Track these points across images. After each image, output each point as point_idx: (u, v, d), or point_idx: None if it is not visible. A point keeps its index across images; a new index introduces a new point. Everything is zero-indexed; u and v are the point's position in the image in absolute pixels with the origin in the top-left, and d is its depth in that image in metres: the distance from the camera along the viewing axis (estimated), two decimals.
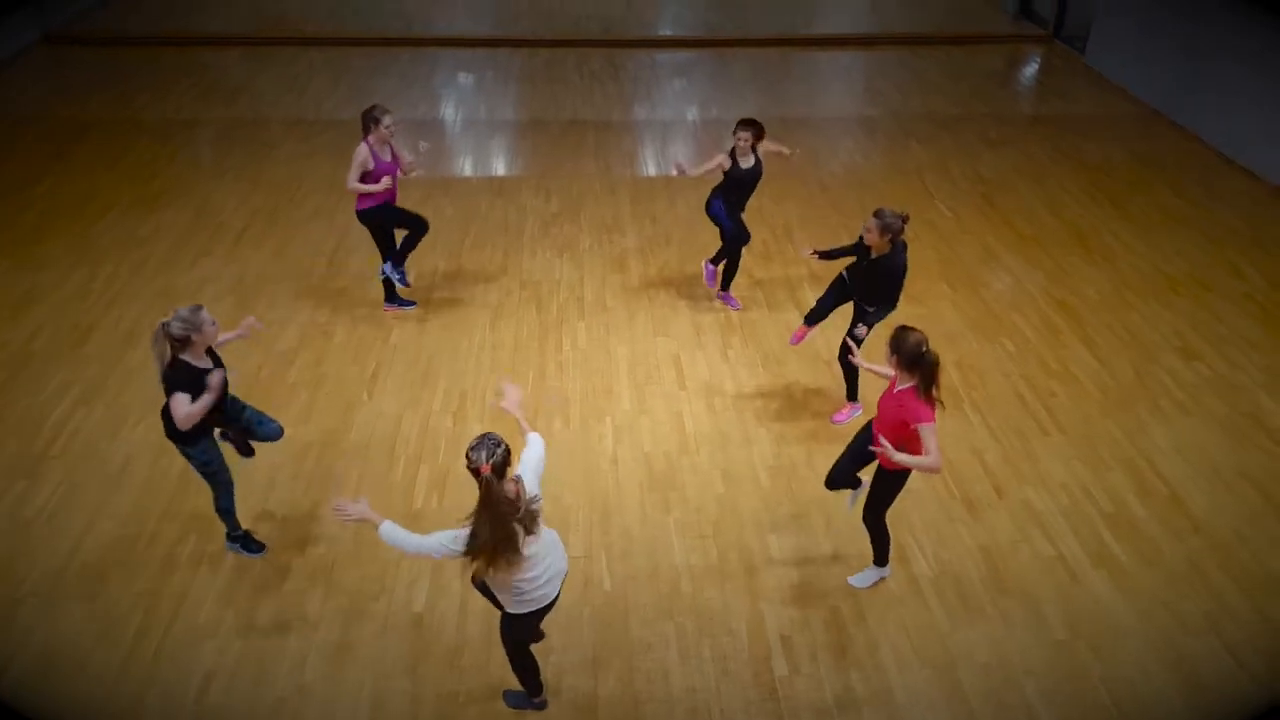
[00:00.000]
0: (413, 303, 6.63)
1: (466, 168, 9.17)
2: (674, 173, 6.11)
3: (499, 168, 9.21)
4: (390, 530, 3.19)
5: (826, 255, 5.22)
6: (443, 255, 7.39)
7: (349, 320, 6.44)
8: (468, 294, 6.84)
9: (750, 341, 6.35)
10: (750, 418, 5.59)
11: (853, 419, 5.54)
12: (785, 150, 6.17)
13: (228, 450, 4.52)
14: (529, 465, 3.28)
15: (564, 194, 8.50)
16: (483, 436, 3.11)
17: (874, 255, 4.82)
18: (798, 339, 5.41)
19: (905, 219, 4.64)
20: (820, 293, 5.86)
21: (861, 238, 4.89)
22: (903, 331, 3.73)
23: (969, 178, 8.81)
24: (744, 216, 6.24)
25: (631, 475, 5.08)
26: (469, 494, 4.73)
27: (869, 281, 4.92)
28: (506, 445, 3.10)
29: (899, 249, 4.76)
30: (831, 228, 7.76)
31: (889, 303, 4.94)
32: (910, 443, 3.71)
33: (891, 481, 4.02)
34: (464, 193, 8.49)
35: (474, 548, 3.05)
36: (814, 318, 5.32)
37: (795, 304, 6.79)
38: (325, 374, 5.87)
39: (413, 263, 6.83)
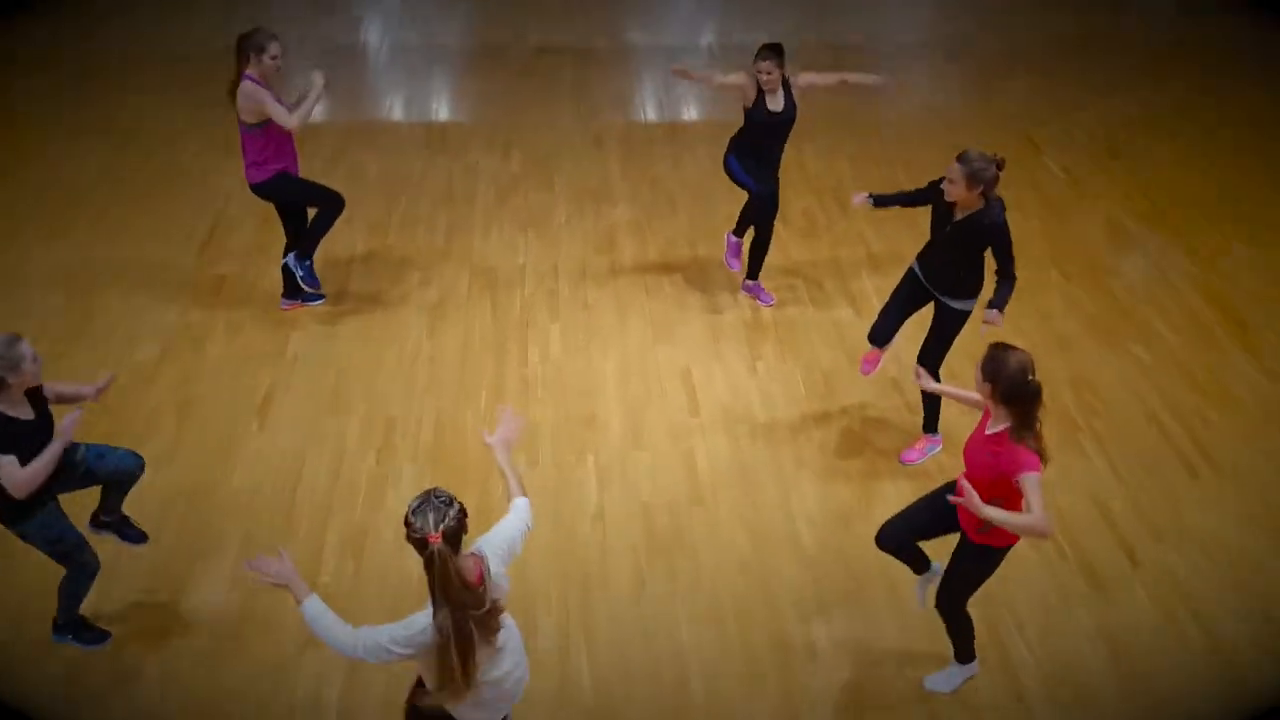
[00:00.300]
0: (321, 296, 6.66)
1: (395, 111, 9.19)
2: (681, 78, 6.05)
3: (440, 111, 9.23)
4: (316, 612, 3.18)
5: (884, 201, 5.21)
6: (362, 233, 7.40)
7: (231, 322, 6.46)
8: (397, 286, 6.85)
9: (788, 349, 6.37)
10: (788, 455, 5.60)
11: (929, 457, 5.55)
12: (869, 80, 6.11)
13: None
14: (498, 540, 3.29)
15: (530, 148, 8.56)
16: (426, 494, 3.09)
17: (958, 216, 4.81)
18: (870, 366, 5.41)
19: (1000, 164, 4.62)
20: (887, 285, 5.93)
21: (934, 187, 4.87)
22: (1001, 352, 3.69)
23: (1090, 126, 8.90)
24: (774, 176, 6.29)
25: (622, 535, 5.10)
26: (397, 561, 4.83)
27: (957, 253, 4.88)
28: (460, 505, 3.08)
29: (995, 205, 4.73)
30: (892, 187, 7.84)
31: (1012, 275, 4.84)
32: (1010, 500, 3.70)
33: (979, 560, 3.99)
34: (391, 146, 8.55)
35: (437, 663, 3.06)
36: (882, 334, 5.29)
37: (848, 297, 6.81)
38: (198, 396, 5.89)
39: (323, 244, 6.82)
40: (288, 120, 5.67)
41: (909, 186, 7.58)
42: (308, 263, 6.31)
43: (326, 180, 7.51)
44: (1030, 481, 3.56)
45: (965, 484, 3.63)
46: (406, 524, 3.04)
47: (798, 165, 7.86)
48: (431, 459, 5.50)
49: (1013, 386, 3.62)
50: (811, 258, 7.18)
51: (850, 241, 7.39)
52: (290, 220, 6.26)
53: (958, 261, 4.92)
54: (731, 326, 6.55)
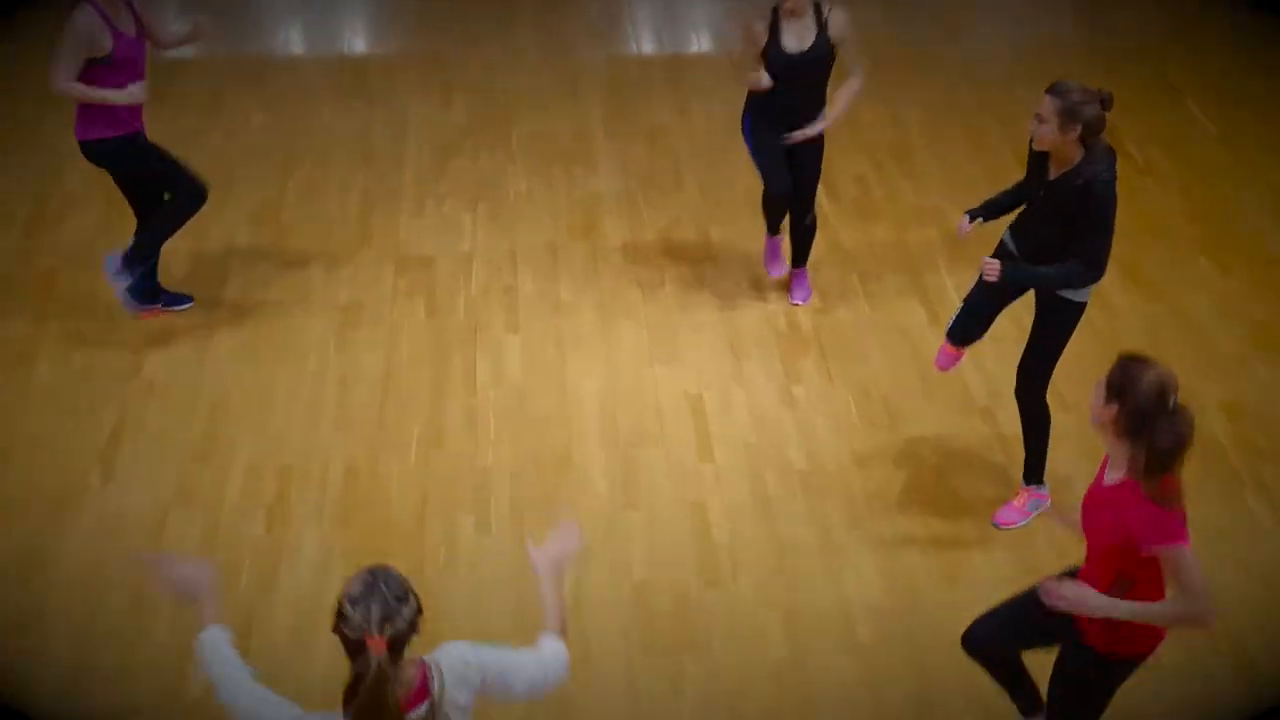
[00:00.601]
0: (187, 299, 6.68)
1: (293, 42, 9.25)
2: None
3: (354, 42, 9.27)
4: (215, 645, 3.25)
5: (990, 211, 5.33)
6: (246, 210, 7.38)
7: (67, 334, 6.43)
8: (294, 284, 6.84)
9: (836, 366, 6.37)
10: (836, 513, 5.56)
11: (1035, 517, 5.52)
12: (849, 92, 6.21)
13: None
14: (489, 661, 3.24)
15: (480, 92, 8.55)
16: (372, 576, 3.07)
17: (1053, 173, 4.90)
18: (947, 362, 5.56)
19: (1106, 101, 4.72)
20: (971, 279, 5.74)
21: (1033, 161, 4.96)
22: (1133, 364, 3.71)
23: (1254, 63, 8.91)
24: (795, 140, 6.23)
25: (608, 627, 5.07)
26: (296, 664, 4.71)
27: (1054, 225, 4.95)
28: (417, 601, 3.08)
29: (1099, 157, 4.81)
30: (982, 153, 7.86)
31: (1091, 266, 4.93)
32: (1144, 578, 3.70)
33: (1100, 670, 3.94)
34: (287, 90, 8.53)
35: None
36: (965, 329, 5.41)
37: (918, 293, 6.83)
38: (21, 437, 5.87)
39: (192, 225, 6.83)
40: (55, 80, 5.73)
41: (1004, 147, 7.78)
42: (139, 270, 6.27)
43: (197, 143, 7.55)
44: (1178, 557, 3.56)
45: (1064, 589, 3.65)
46: (340, 614, 3.00)
47: (847, 118, 7.85)
48: (342, 521, 5.45)
49: (1144, 412, 3.61)
50: (867, 241, 7.17)
51: (920, 219, 7.36)
52: (139, 199, 6.25)
53: (1056, 236, 4.97)
54: (757, 336, 6.53)
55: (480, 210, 7.42)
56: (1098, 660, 3.89)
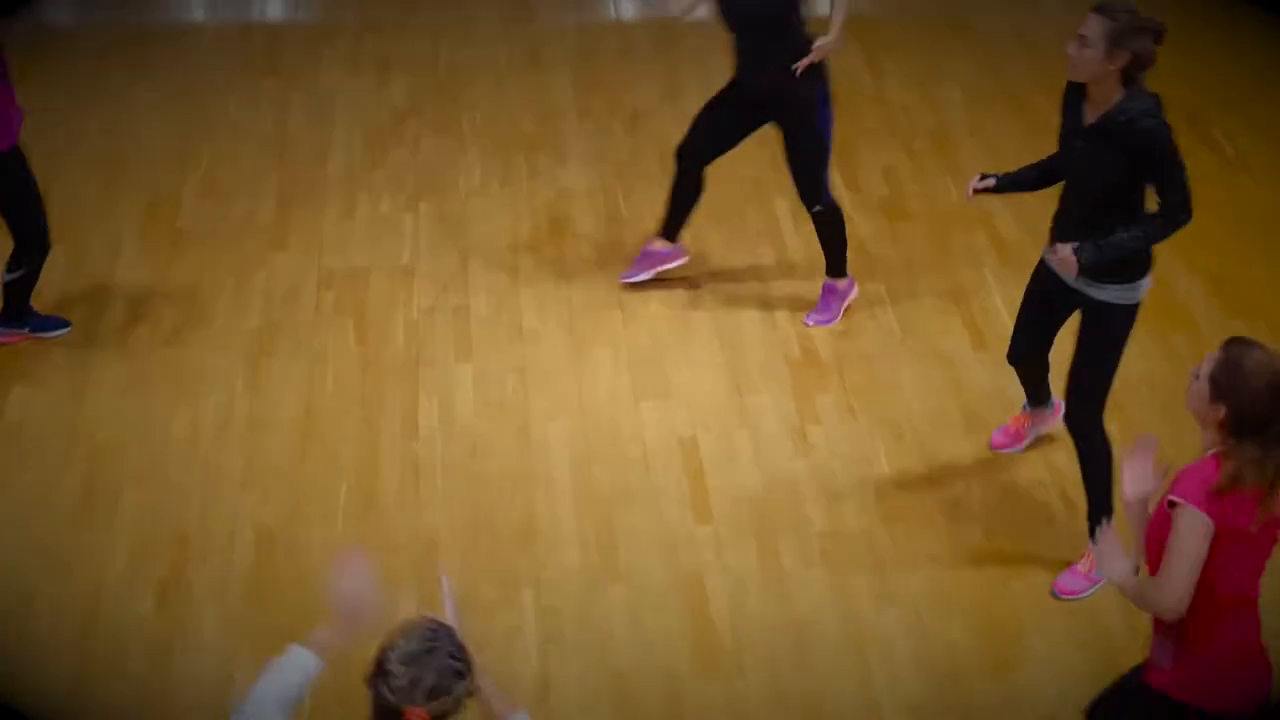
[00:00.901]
0: (62, 323, 6.67)
1: (191, 6, 9.31)
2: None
3: (266, 6, 9.34)
4: (294, 669, 3.43)
5: (1012, 183, 5.48)
6: (134, 211, 7.36)
7: None
8: (192, 304, 6.81)
9: (861, 401, 6.37)
10: (863, 582, 5.53)
11: (1103, 585, 5.45)
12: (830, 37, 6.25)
13: None
14: None
15: (422, 67, 8.56)
16: (434, 633, 3.21)
17: (1090, 117, 5.01)
18: (1007, 441, 5.84)
19: (1160, 32, 4.82)
20: (1020, 290, 5.83)
21: (1069, 109, 5.09)
22: (1239, 351, 3.76)
23: None
24: (801, 68, 6.22)
25: None
26: None
27: (1091, 185, 5.09)
28: (472, 676, 3.21)
29: (1143, 95, 4.91)
30: (1036, 134, 7.77)
31: (1175, 209, 5.00)
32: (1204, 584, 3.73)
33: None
34: (184, 64, 8.52)
35: None
36: (1019, 351, 5.61)
37: (962, 313, 6.80)
38: None
39: (72, 234, 6.78)
40: None
41: (1048, 112, 7.68)
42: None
43: (71, 130, 7.58)
44: (1177, 519, 3.65)
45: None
46: (383, 669, 3.11)
47: (874, 97, 7.86)
48: (252, 598, 5.41)
49: (1256, 408, 3.66)
50: (900, 250, 7.16)
51: (966, 223, 7.36)
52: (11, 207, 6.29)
53: (1095, 202, 5.09)
54: (765, 365, 6.53)
55: (423, 211, 7.41)
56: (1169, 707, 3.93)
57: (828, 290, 6.79)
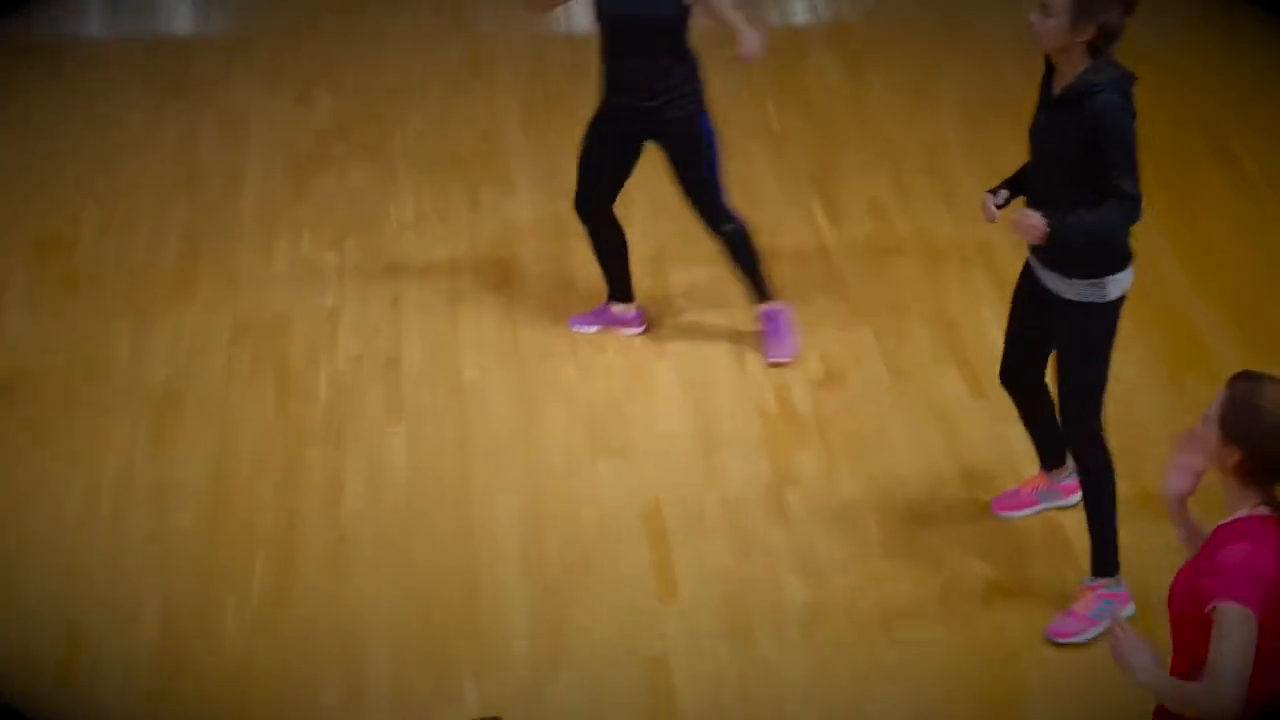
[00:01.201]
0: None
1: (88, 17, 9.27)
2: None
3: (173, 17, 9.34)
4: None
5: (1017, 189, 5.48)
6: (21, 247, 7.38)
7: None
8: (87, 354, 6.82)
9: (845, 458, 6.29)
10: (847, 664, 5.43)
11: (1103, 628, 5.43)
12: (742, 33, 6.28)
13: None
14: None
15: (349, 82, 8.59)
16: None
17: (1057, 88, 5.17)
18: (1012, 506, 5.87)
19: (1130, 3, 4.96)
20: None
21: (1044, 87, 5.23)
22: (1248, 386, 3.69)
23: None
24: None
25: None
26: None
27: (1054, 164, 5.23)
28: None
29: (1108, 70, 5.06)
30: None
31: (1123, 199, 5.09)
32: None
33: None
34: (80, 80, 8.56)
35: None
36: (1008, 370, 5.67)
37: (956, 356, 6.77)
38: None
39: None
40: None
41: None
42: None
43: None
44: (1222, 617, 3.56)
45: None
46: None
47: (853, 111, 7.63)
48: (155, 697, 5.30)
49: (1276, 447, 3.64)
50: (887, 289, 7.09)
51: (962, 255, 7.31)
52: None
53: (1061, 180, 5.20)
54: (737, 419, 6.44)
55: (350, 248, 7.30)
56: None
57: (769, 319, 6.69)
